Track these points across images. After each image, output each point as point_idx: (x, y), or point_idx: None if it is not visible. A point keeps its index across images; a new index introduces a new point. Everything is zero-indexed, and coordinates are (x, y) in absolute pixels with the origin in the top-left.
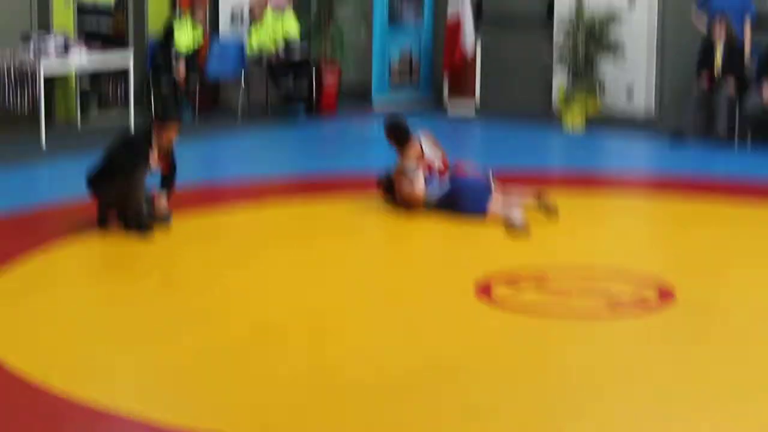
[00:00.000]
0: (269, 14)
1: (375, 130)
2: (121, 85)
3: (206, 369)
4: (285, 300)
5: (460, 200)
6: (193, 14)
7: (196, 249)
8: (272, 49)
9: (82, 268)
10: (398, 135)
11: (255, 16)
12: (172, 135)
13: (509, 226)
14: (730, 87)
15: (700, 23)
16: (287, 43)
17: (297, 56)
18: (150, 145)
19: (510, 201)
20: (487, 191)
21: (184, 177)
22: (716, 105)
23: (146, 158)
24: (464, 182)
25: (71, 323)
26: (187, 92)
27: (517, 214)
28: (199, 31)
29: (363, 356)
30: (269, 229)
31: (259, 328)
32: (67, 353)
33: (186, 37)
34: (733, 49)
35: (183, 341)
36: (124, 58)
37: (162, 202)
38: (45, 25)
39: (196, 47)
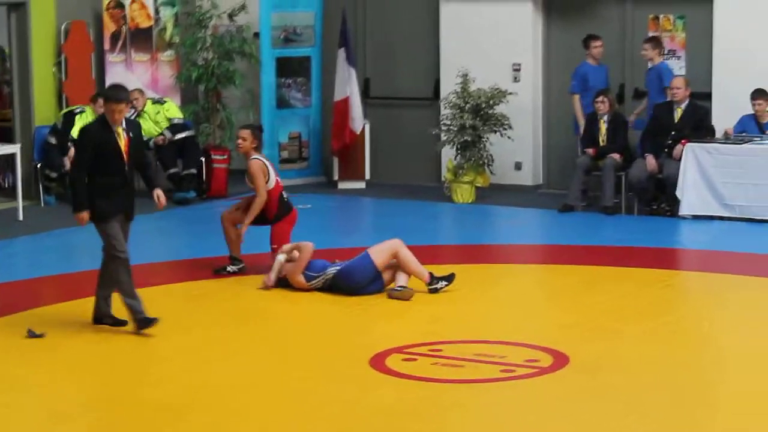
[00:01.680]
0: (149, 104)
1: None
2: (7, 174)
3: None
4: (185, 379)
5: (351, 282)
6: (94, 103)
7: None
8: (157, 135)
9: None
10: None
11: (135, 108)
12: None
13: (394, 292)
14: (614, 158)
15: (577, 105)
16: (171, 125)
17: (183, 132)
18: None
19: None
20: (375, 272)
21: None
22: (602, 176)
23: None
24: (359, 264)
25: None
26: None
27: (403, 281)
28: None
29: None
30: (160, 312)
31: (159, 407)
32: None
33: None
34: (618, 123)
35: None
36: (11, 148)
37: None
38: None
39: None
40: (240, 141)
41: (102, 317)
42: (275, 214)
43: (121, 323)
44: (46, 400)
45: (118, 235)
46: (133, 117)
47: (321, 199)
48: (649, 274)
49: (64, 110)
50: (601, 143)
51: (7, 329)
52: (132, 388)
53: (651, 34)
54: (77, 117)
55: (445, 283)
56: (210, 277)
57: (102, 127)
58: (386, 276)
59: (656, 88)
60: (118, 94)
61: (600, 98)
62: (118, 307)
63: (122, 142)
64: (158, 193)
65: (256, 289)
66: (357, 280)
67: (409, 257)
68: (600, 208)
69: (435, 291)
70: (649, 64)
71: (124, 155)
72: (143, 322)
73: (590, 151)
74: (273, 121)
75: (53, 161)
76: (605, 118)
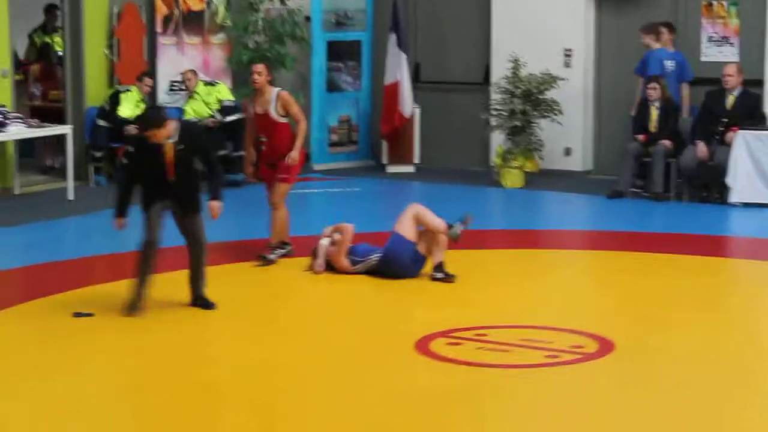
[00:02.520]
0: (201, 86)
1: (314, 195)
2: (59, 155)
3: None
4: (230, 360)
5: (397, 265)
6: (140, 82)
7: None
8: (207, 116)
9: (17, 337)
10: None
11: (188, 88)
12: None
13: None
14: (665, 145)
15: (638, 87)
16: (223, 107)
17: (234, 114)
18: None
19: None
20: (418, 254)
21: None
22: (652, 163)
23: None
24: (395, 248)
25: None
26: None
27: (439, 257)
28: (142, 104)
29: (312, 417)
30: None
31: (202, 387)
32: None
33: (130, 107)
34: (668, 109)
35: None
36: (63, 129)
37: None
38: None
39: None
40: (256, 76)
41: (194, 299)
42: (288, 146)
43: (209, 305)
44: (92, 380)
45: (148, 222)
46: (185, 98)
47: (369, 182)
48: (699, 261)
49: (110, 91)
50: (652, 129)
51: (57, 308)
52: (177, 369)
53: (704, 20)
54: (122, 96)
55: (442, 275)
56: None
57: (147, 142)
58: (421, 248)
59: (658, 73)
60: (146, 124)
61: (652, 84)
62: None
63: (168, 155)
64: (212, 205)
65: (302, 271)
66: (402, 261)
67: (426, 214)
68: (649, 195)
69: (433, 279)
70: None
71: (169, 167)
72: (129, 307)
73: (641, 137)
74: (323, 105)
75: (101, 142)
76: (656, 104)
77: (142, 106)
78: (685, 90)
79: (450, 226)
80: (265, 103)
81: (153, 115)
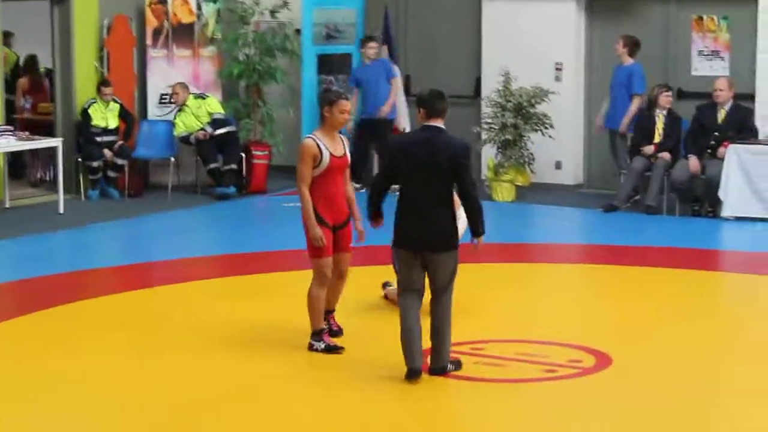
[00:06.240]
0: (191, 99)
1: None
2: (49, 166)
3: None
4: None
5: None
6: (99, 93)
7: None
8: (198, 129)
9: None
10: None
11: (175, 101)
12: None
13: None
14: (665, 158)
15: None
16: (213, 120)
17: (224, 130)
18: None
19: None
20: None
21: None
22: (652, 176)
23: None
24: None
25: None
26: (115, 170)
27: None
28: (114, 109)
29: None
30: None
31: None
32: None
33: (100, 115)
34: (674, 118)
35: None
36: (53, 142)
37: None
38: None
39: (113, 125)
40: (347, 115)
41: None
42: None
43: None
44: (85, 392)
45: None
46: (174, 112)
47: (360, 195)
48: (693, 275)
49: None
50: (657, 139)
51: (49, 322)
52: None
53: (694, 35)
54: (90, 110)
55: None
56: (249, 272)
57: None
58: None
59: (624, 90)
60: None
61: (668, 92)
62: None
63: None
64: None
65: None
66: None
67: None
68: (642, 208)
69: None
70: (622, 63)
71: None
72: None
73: (651, 147)
74: (313, 118)
75: (95, 153)
76: (664, 112)
77: (114, 112)
78: (634, 103)
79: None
80: (339, 143)
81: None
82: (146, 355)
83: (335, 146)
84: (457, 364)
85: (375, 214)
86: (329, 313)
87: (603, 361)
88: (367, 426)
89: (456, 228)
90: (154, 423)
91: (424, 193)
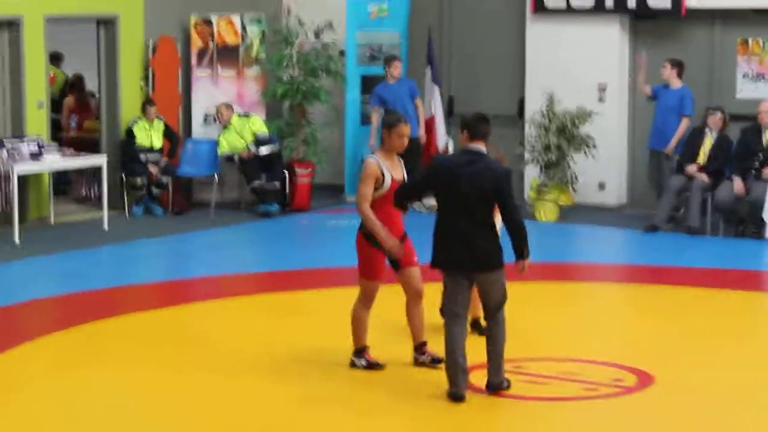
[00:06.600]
0: (235, 118)
1: (347, 226)
2: (94, 184)
3: None
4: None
5: None
6: (144, 112)
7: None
8: (242, 148)
9: (46, 366)
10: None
11: (222, 120)
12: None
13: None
14: (702, 179)
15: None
16: (257, 139)
17: (268, 148)
18: None
19: None
20: None
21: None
22: (690, 197)
23: None
24: None
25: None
26: (159, 187)
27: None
28: (159, 128)
29: None
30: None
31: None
32: None
33: (144, 134)
34: (724, 142)
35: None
36: (98, 159)
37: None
38: (18, 129)
39: (158, 144)
40: (405, 139)
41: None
42: None
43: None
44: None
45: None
46: (219, 130)
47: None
48: (736, 295)
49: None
50: (701, 160)
51: (91, 336)
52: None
53: (739, 57)
54: (135, 128)
55: None
56: (291, 288)
57: None
58: None
59: (673, 112)
60: None
61: (720, 115)
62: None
63: None
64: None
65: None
66: None
67: None
68: (685, 229)
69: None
70: (670, 86)
71: None
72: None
73: (692, 167)
74: (357, 137)
75: (138, 170)
76: (714, 133)
77: (159, 131)
78: (683, 125)
79: None
80: (398, 165)
81: None
82: (184, 371)
83: (395, 168)
84: (509, 383)
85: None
86: (423, 345)
87: (644, 380)
88: None
89: (500, 246)
90: None
91: (466, 215)
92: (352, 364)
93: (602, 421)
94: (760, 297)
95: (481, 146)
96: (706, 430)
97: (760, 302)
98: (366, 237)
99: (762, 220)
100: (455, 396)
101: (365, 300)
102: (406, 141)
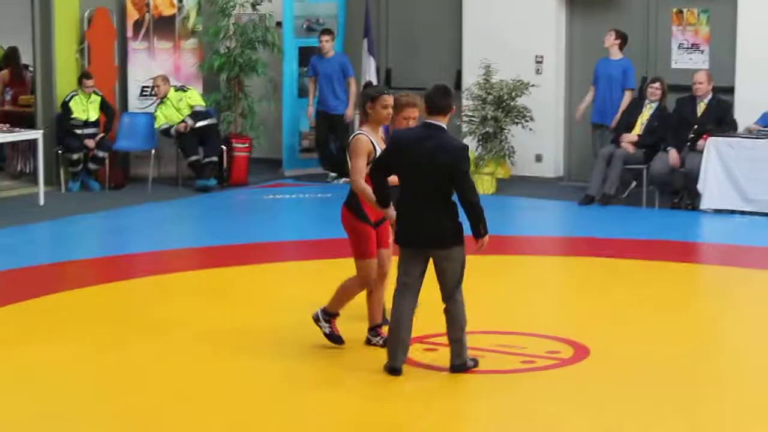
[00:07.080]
0: (172, 91)
1: (285, 201)
2: (30, 158)
3: None
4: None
5: None
6: (80, 85)
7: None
8: (178, 122)
9: None
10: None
11: (157, 94)
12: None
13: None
14: (627, 148)
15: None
16: (194, 112)
17: (205, 122)
18: None
19: None
20: None
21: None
22: (611, 165)
23: None
24: None
25: None
26: (96, 162)
27: None
28: (95, 101)
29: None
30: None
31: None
32: None
33: (80, 108)
34: (663, 114)
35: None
36: (33, 133)
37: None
38: None
39: (94, 118)
40: (391, 110)
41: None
42: None
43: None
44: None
45: None
46: (155, 104)
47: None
48: (671, 267)
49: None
50: (638, 131)
51: (27, 313)
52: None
53: (674, 28)
54: (71, 102)
55: None
56: (229, 264)
57: None
58: None
59: (616, 84)
60: None
61: (657, 84)
62: None
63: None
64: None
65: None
66: None
67: None
68: (606, 199)
69: None
70: (610, 56)
71: None
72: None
73: (629, 136)
74: (294, 110)
75: (74, 144)
76: (653, 105)
77: (95, 105)
78: (627, 98)
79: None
80: (382, 139)
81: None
82: (122, 347)
83: (381, 142)
84: (476, 361)
85: (386, 204)
86: (378, 326)
87: (580, 351)
88: (346, 409)
89: (459, 224)
90: (116, 414)
91: (424, 191)
92: (316, 321)
93: (539, 393)
94: (695, 268)
95: (440, 121)
96: (640, 401)
97: (695, 274)
98: (352, 211)
99: (697, 191)
100: (392, 369)
101: (362, 281)
102: (391, 111)
